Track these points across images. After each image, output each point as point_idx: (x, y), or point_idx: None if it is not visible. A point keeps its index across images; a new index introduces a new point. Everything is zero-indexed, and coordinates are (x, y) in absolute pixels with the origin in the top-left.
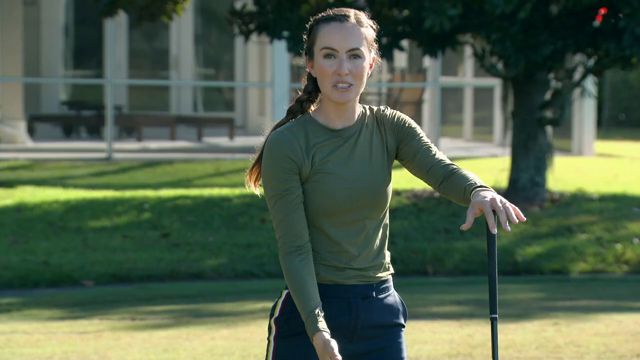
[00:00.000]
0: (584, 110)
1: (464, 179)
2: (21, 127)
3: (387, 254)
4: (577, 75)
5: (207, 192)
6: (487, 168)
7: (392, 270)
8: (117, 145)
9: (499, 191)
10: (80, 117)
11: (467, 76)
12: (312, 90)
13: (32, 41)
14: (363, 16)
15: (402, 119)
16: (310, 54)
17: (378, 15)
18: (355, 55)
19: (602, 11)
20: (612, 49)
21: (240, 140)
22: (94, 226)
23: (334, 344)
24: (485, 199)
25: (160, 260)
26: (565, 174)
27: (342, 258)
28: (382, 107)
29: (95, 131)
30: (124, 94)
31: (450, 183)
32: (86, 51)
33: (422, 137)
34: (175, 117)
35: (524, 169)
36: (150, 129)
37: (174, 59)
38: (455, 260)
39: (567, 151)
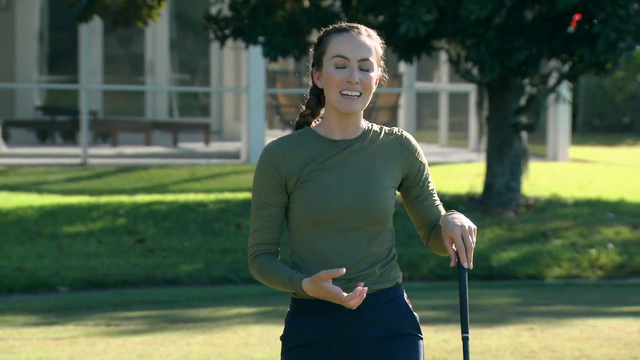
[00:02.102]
0: (559, 116)
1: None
2: None
3: (391, 264)
4: (551, 81)
5: (182, 197)
6: (463, 173)
7: (397, 280)
8: (92, 150)
9: (474, 197)
10: (55, 122)
11: (443, 82)
12: (315, 105)
13: (7, 46)
14: (373, 32)
15: (418, 153)
16: (318, 64)
17: (353, 21)
18: (365, 66)
19: (577, 17)
20: (587, 55)
21: (215, 146)
22: (69, 232)
23: (325, 276)
24: (455, 229)
25: (136, 266)
26: (540, 179)
27: (327, 268)
28: (398, 129)
29: (70, 136)
30: (99, 100)
31: (433, 236)
32: (61, 56)
33: (429, 182)
34: (151, 123)
35: (499, 174)
36: (125, 134)
37: (149, 64)
38: (430, 265)
39: (542, 156)
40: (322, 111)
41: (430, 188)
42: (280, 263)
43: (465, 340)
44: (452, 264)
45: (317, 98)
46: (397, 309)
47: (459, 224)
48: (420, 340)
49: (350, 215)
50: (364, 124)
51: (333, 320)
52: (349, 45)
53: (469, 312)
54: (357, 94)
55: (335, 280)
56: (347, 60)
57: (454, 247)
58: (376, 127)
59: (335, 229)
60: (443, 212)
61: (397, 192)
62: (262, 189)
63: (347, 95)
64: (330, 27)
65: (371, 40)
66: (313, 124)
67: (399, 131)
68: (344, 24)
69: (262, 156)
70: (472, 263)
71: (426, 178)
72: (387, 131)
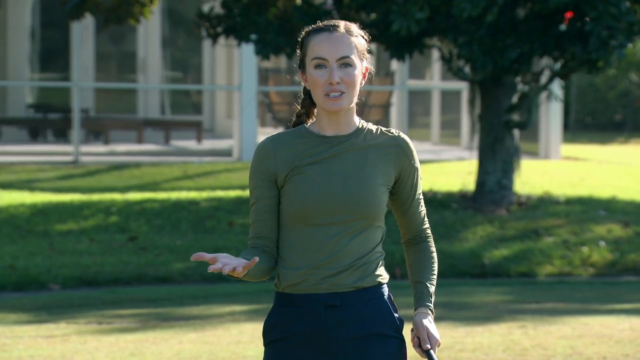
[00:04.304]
0: (551, 114)
1: (420, 269)
2: None
3: (374, 262)
4: (543, 79)
5: (174, 195)
6: (455, 171)
7: (379, 280)
8: (84, 148)
9: (466, 195)
10: (47, 120)
11: (435, 79)
12: (309, 104)
13: None
14: (353, 26)
15: (413, 156)
16: (303, 66)
17: (345, 19)
18: (345, 63)
19: (569, 15)
20: (579, 53)
21: (208, 144)
22: (61, 230)
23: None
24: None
25: (128, 264)
26: (532, 177)
27: (308, 261)
28: (395, 130)
29: (62, 134)
30: (91, 97)
31: (410, 254)
32: (53, 54)
33: (418, 187)
34: (143, 120)
35: (491, 172)
36: (117, 132)
37: (141, 61)
38: None
39: (534, 154)
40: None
41: (418, 193)
42: (246, 254)
43: None
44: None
45: (310, 97)
46: (377, 309)
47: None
48: (401, 342)
49: (336, 210)
50: (358, 121)
51: (309, 315)
52: (326, 45)
53: None
54: (340, 92)
55: (316, 276)
56: (326, 61)
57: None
58: (372, 126)
59: (320, 223)
60: (425, 219)
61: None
62: (254, 184)
63: (331, 95)
64: (310, 28)
65: (350, 36)
66: (308, 122)
67: (396, 132)
68: (322, 24)
69: (255, 152)
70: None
71: (417, 183)
72: (383, 131)
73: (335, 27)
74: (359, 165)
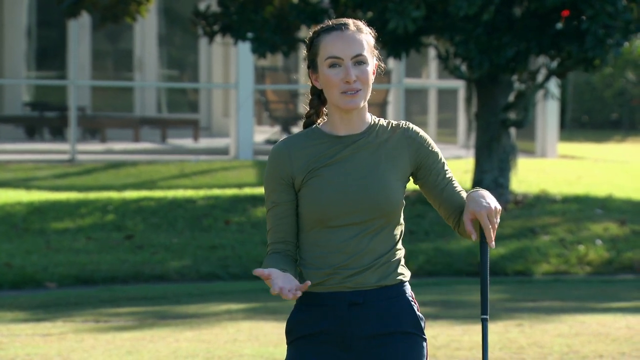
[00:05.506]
0: (547, 112)
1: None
2: None
3: (395, 260)
4: (540, 77)
5: (171, 193)
6: (451, 169)
7: (401, 278)
8: (81, 146)
9: None
10: (43, 118)
11: (431, 78)
12: (317, 104)
13: None
14: (361, 24)
15: (427, 143)
16: (313, 66)
17: (342, 17)
18: (360, 61)
19: (565, 13)
20: (575, 51)
21: (204, 142)
22: (57, 228)
23: (268, 271)
24: (481, 210)
25: (124, 262)
26: (529, 175)
27: (331, 262)
28: (404, 122)
29: (58, 132)
30: (88, 95)
31: (459, 219)
32: (49, 52)
33: (446, 168)
34: (139, 119)
35: (487, 170)
36: (114, 130)
37: (137, 60)
38: (419, 261)
39: (530, 153)
40: (326, 109)
41: (448, 175)
42: (275, 261)
43: (484, 322)
44: (475, 237)
45: (319, 97)
46: (399, 307)
47: (486, 204)
48: (423, 341)
49: (354, 210)
50: (370, 118)
51: (332, 313)
52: (339, 44)
53: (489, 292)
54: (356, 90)
55: (339, 275)
56: (341, 59)
57: (471, 221)
58: (383, 122)
59: (339, 224)
60: (460, 190)
61: (416, 185)
62: (271, 188)
63: (348, 93)
64: (319, 27)
65: (361, 34)
66: (319, 122)
67: (405, 124)
68: (331, 22)
69: (270, 157)
70: (494, 242)
71: (442, 166)
72: (393, 125)
73: (346, 26)
74: (374, 163)
